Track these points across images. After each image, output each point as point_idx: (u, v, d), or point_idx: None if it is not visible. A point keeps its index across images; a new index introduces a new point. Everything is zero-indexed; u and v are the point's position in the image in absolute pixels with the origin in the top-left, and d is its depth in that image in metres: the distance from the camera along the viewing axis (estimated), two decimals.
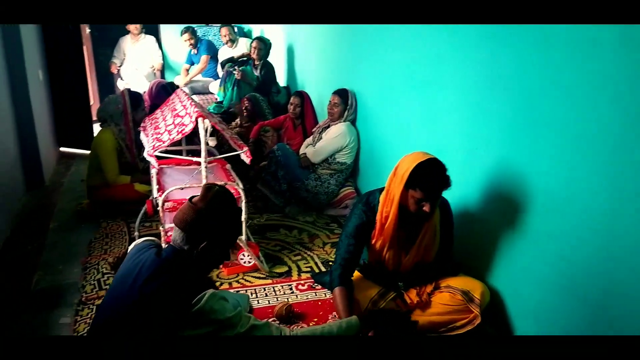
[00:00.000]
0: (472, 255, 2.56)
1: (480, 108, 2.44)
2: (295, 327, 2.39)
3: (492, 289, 2.37)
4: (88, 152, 4.07)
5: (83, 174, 4.10)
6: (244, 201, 2.81)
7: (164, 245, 2.06)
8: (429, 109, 2.90)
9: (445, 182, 2.11)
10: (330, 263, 3.05)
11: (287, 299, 2.63)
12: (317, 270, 2.96)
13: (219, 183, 2.80)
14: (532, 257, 2.19)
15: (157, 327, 1.45)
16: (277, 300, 2.61)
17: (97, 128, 3.94)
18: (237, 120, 4.99)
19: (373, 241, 2.33)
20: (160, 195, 2.69)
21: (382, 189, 2.34)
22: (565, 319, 2.02)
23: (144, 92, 4.57)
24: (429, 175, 2.08)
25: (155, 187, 2.87)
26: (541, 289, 2.14)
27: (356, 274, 2.44)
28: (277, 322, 2.42)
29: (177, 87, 4.53)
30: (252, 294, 2.65)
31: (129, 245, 3.22)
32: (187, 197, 2.73)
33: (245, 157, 2.75)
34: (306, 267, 3.00)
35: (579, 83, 1.86)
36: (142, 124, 3.34)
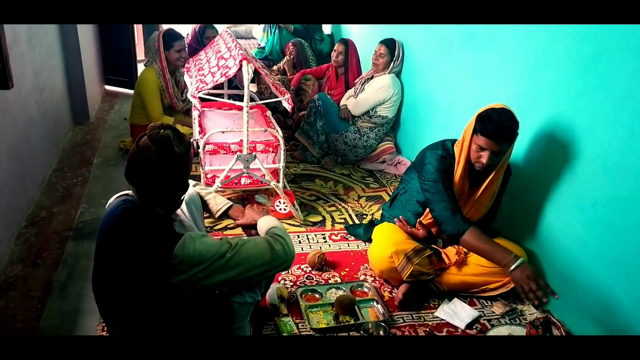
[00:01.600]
0: (513, 218, 2.50)
1: (534, 66, 2.31)
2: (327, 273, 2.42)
3: (529, 253, 2.33)
4: (131, 91, 4.12)
5: (126, 112, 4.18)
6: (283, 148, 2.80)
7: None
8: (479, 66, 2.77)
9: (510, 134, 2.03)
10: (365, 215, 3.05)
11: (320, 247, 2.66)
12: (350, 222, 2.96)
13: (258, 129, 2.82)
14: (573, 221, 2.12)
15: (142, 281, 1.41)
16: (311, 248, 2.64)
17: (141, 67, 3.97)
18: (279, 64, 4.91)
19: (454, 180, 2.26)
20: (201, 138, 2.71)
21: (450, 140, 2.32)
22: (605, 289, 1.97)
23: (187, 34, 4.54)
24: (492, 120, 2.02)
25: (197, 129, 2.90)
26: (581, 255, 2.09)
27: (392, 226, 2.42)
28: (310, 269, 2.46)
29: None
30: None
31: None
32: (228, 141, 2.80)
33: (287, 104, 2.72)
34: (340, 218, 3.01)
35: None
36: (186, 65, 3.33)
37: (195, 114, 3.08)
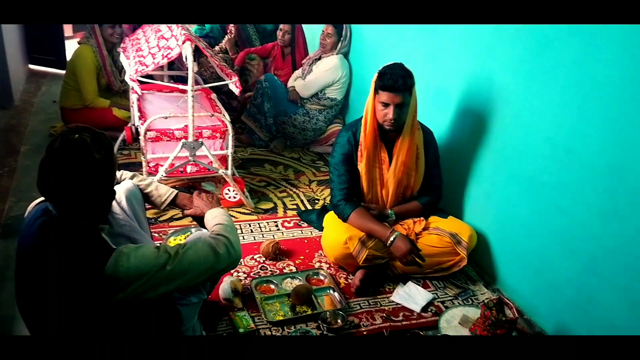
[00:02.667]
0: (462, 198, 2.54)
1: (486, 49, 2.32)
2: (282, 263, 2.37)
3: (479, 233, 2.38)
4: (60, 71, 3.81)
5: (55, 94, 3.86)
6: (231, 134, 2.68)
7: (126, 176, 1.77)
8: (430, 47, 2.76)
9: (405, 81, 2.11)
10: (317, 200, 3.01)
11: (273, 235, 2.59)
12: (303, 208, 2.91)
13: (203, 114, 2.68)
14: (524, 204, 2.17)
15: (73, 303, 1.26)
16: (263, 237, 2.57)
17: (69, 44, 3.66)
18: (221, 43, 4.70)
19: (359, 164, 2.32)
20: (142, 124, 2.54)
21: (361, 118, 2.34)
22: (553, 269, 2.04)
23: None
24: (387, 74, 2.11)
25: (136, 114, 2.71)
26: (531, 236, 2.15)
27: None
28: (263, 259, 2.39)
29: None
30: (237, 230, 2.60)
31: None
32: (171, 127, 2.64)
33: (235, 88, 2.59)
34: (292, 204, 2.94)
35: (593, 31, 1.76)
36: (122, 44, 3.11)
37: (133, 97, 2.88)
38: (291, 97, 3.59)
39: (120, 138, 3.20)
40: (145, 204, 1.84)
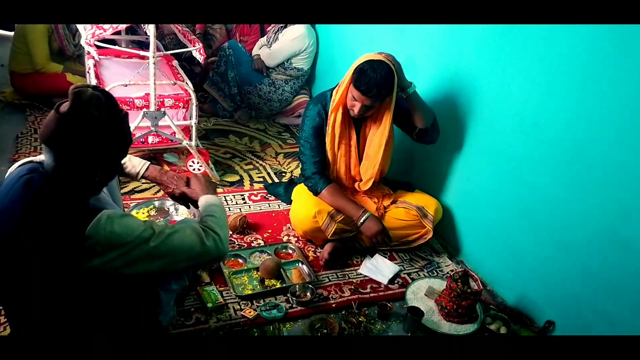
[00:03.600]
0: (428, 172, 2.56)
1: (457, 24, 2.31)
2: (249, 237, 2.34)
3: (444, 206, 2.42)
4: (7, 32, 3.55)
5: (4, 58, 3.60)
6: (194, 104, 2.59)
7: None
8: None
9: (379, 92, 2.04)
10: (283, 173, 2.97)
11: (240, 209, 2.54)
12: (270, 181, 2.87)
13: (165, 82, 2.56)
14: (488, 177, 2.22)
15: (48, 265, 1.22)
16: (230, 210, 2.52)
17: None
18: None
19: (327, 139, 2.28)
20: None
21: (332, 89, 2.29)
22: (515, 242, 2.11)
23: None
24: (366, 76, 2.02)
25: (93, 80, 2.56)
26: (495, 209, 2.20)
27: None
28: (231, 233, 2.35)
29: None
30: None
31: None
32: (131, 95, 2.52)
33: (199, 55, 2.49)
34: (258, 177, 2.90)
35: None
36: None
37: (90, 62, 2.73)
38: (256, 66, 3.49)
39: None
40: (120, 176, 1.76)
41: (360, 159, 2.33)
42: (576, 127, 1.80)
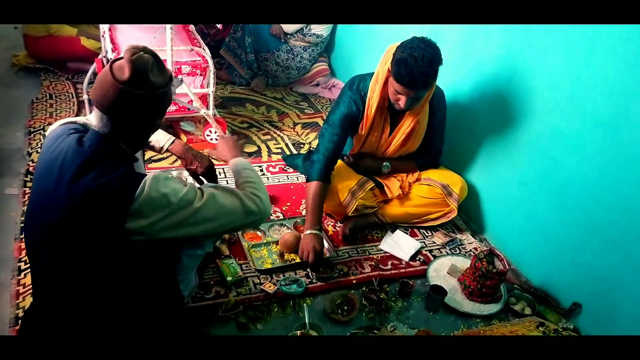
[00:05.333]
0: (452, 148, 2.48)
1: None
2: None
3: (469, 183, 2.35)
4: None
5: None
6: (212, 71, 2.51)
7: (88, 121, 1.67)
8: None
9: (424, 82, 1.86)
10: (302, 145, 2.90)
11: None
12: (288, 152, 2.80)
13: (182, 48, 2.48)
14: (516, 153, 2.14)
15: (101, 229, 1.22)
16: None
17: None
18: None
19: (359, 132, 2.17)
20: (116, 57, 2.32)
21: (372, 74, 2.12)
22: (542, 220, 2.04)
23: None
24: (407, 66, 1.82)
25: (108, 45, 2.48)
26: (521, 186, 2.13)
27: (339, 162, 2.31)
28: None
29: None
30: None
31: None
32: None
33: None
34: (276, 147, 2.83)
35: None
36: None
37: (104, 27, 2.64)
38: (274, 32, 3.37)
39: (90, 71, 2.95)
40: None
41: (389, 141, 2.22)
42: (614, 102, 1.70)
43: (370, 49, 3.16)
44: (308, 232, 2.00)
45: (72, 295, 1.27)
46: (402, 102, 1.94)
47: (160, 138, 1.71)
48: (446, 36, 2.42)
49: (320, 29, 3.39)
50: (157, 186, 1.23)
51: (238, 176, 1.52)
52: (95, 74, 2.96)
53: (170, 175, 1.32)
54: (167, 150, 1.70)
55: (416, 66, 1.81)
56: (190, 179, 2.27)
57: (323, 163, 2.10)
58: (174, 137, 1.72)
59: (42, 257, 1.30)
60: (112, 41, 2.55)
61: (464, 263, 2.11)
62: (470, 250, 2.26)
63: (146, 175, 1.25)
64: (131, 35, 2.69)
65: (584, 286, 1.89)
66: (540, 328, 1.79)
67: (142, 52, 1.22)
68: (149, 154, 2.52)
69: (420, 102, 2.02)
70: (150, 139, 1.69)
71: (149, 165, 2.45)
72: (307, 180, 2.13)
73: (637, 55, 1.61)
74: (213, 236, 1.58)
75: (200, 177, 1.73)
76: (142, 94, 1.21)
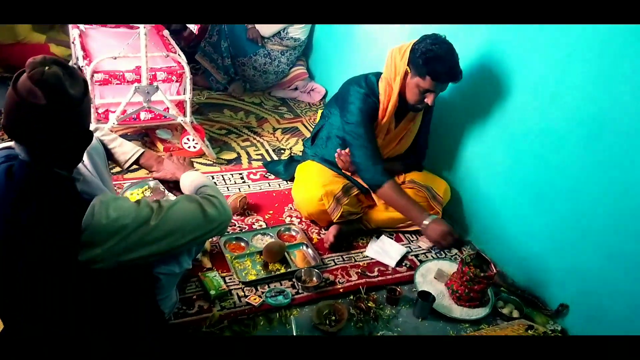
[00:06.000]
0: (434, 150, 2.46)
1: None
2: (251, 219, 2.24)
3: (452, 185, 2.34)
4: None
5: None
6: (188, 77, 2.44)
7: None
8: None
9: (461, 73, 1.93)
10: (282, 150, 2.85)
11: (239, 189, 2.43)
12: (268, 158, 2.75)
13: (157, 54, 2.40)
14: (500, 154, 2.13)
15: (51, 267, 1.14)
16: (228, 190, 2.41)
17: None
18: None
19: (379, 121, 2.13)
20: (88, 65, 2.24)
21: (375, 74, 2.13)
22: (528, 220, 2.04)
23: None
24: (444, 63, 1.87)
25: (79, 52, 2.40)
26: (506, 188, 2.12)
27: (317, 165, 2.28)
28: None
29: None
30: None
31: None
32: (121, 69, 2.36)
33: (193, 25, 2.32)
34: (257, 154, 2.78)
35: None
36: None
37: (74, 33, 2.55)
38: (250, 36, 3.31)
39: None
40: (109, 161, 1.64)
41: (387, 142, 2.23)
42: (599, 100, 1.70)
43: (348, 52, 3.14)
44: (425, 222, 2.03)
45: (40, 326, 1.20)
46: (430, 99, 1.97)
47: (127, 149, 1.61)
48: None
49: (298, 33, 3.35)
50: (107, 211, 1.13)
51: (192, 187, 1.44)
52: None
53: (119, 196, 1.22)
54: (137, 163, 1.61)
55: (452, 60, 1.88)
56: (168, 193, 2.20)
57: (376, 161, 2.06)
58: (143, 150, 1.63)
59: None
60: (83, 48, 2.46)
61: (450, 267, 2.09)
62: (456, 254, 2.25)
63: (92, 199, 1.13)
64: (103, 42, 2.60)
65: (569, 286, 1.90)
66: (529, 331, 1.78)
67: (45, 67, 1.07)
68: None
69: None
70: (115, 151, 1.59)
71: (126, 176, 2.36)
72: (378, 188, 2.07)
73: (619, 55, 1.62)
74: (189, 251, 1.51)
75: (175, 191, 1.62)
76: (67, 113, 1.10)
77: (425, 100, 1.98)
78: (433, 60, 1.87)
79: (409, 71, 1.96)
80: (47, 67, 1.08)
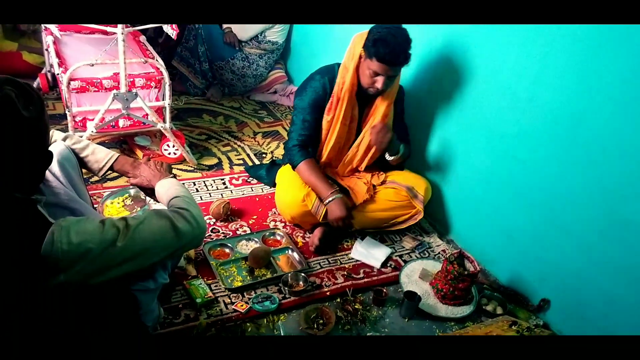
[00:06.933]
0: (416, 151, 2.49)
1: None
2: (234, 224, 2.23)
3: (433, 184, 2.37)
4: None
5: None
6: (167, 83, 2.41)
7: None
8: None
9: (406, 57, 1.96)
10: (264, 154, 2.85)
11: (222, 195, 2.42)
12: (250, 163, 2.74)
13: (135, 60, 2.37)
14: (479, 154, 2.17)
15: (6, 289, 1.04)
16: (211, 196, 2.39)
17: None
18: None
19: (326, 117, 2.17)
20: (64, 72, 2.20)
21: (338, 64, 2.16)
22: (507, 220, 2.08)
23: None
24: (388, 45, 1.90)
25: (54, 59, 2.35)
26: (485, 187, 2.16)
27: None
28: (214, 220, 2.23)
29: None
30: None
31: None
32: (98, 76, 2.32)
33: (171, 30, 2.30)
34: (238, 159, 2.76)
35: None
36: None
37: (48, 40, 2.50)
38: (228, 40, 3.30)
39: (34, 87, 2.80)
40: (82, 169, 1.59)
41: (354, 140, 2.23)
42: (574, 103, 1.75)
43: (325, 55, 3.14)
44: (328, 200, 2.05)
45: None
46: (379, 82, 1.99)
47: (99, 157, 1.55)
48: None
49: (275, 36, 3.35)
50: (68, 237, 1.06)
51: (165, 195, 1.40)
52: (39, 89, 2.80)
53: (82, 217, 1.14)
54: (112, 169, 1.56)
55: (396, 43, 1.90)
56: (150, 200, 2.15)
57: (302, 146, 2.16)
58: (118, 155, 1.58)
59: None
60: (58, 55, 2.41)
61: (434, 266, 2.12)
62: (439, 253, 2.28)
63: (51, 224, 1.06)
64: (78, 49, 2.56)
65: (550, 282, 1.94)
66: (513, 327, 1.82)
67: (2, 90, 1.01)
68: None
69: (393, 83, 2.07)
70: (88, 159, 1.55)
71: (105, 185, 2.32)
72: (294, 167, 2.17)
73: (594, 54, 1.66)
74: (164, 266, 1.48)
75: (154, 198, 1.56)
76: (21, 135, 1.03)
77: (375, 84, 2.01)
78: (379, 42, 1.91)
79: (362, 54, 2.00)
80: (4, 86, 1.02)
